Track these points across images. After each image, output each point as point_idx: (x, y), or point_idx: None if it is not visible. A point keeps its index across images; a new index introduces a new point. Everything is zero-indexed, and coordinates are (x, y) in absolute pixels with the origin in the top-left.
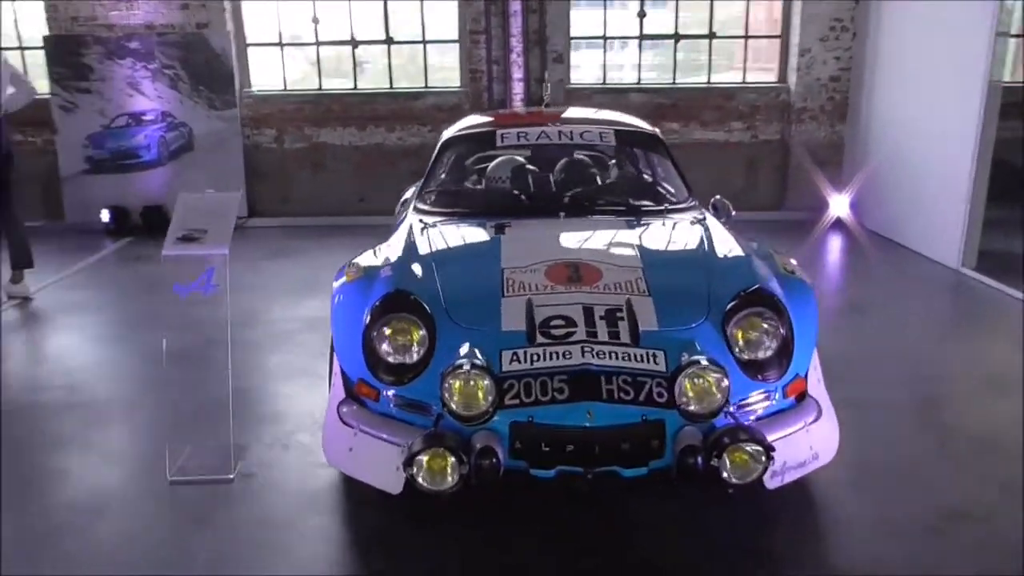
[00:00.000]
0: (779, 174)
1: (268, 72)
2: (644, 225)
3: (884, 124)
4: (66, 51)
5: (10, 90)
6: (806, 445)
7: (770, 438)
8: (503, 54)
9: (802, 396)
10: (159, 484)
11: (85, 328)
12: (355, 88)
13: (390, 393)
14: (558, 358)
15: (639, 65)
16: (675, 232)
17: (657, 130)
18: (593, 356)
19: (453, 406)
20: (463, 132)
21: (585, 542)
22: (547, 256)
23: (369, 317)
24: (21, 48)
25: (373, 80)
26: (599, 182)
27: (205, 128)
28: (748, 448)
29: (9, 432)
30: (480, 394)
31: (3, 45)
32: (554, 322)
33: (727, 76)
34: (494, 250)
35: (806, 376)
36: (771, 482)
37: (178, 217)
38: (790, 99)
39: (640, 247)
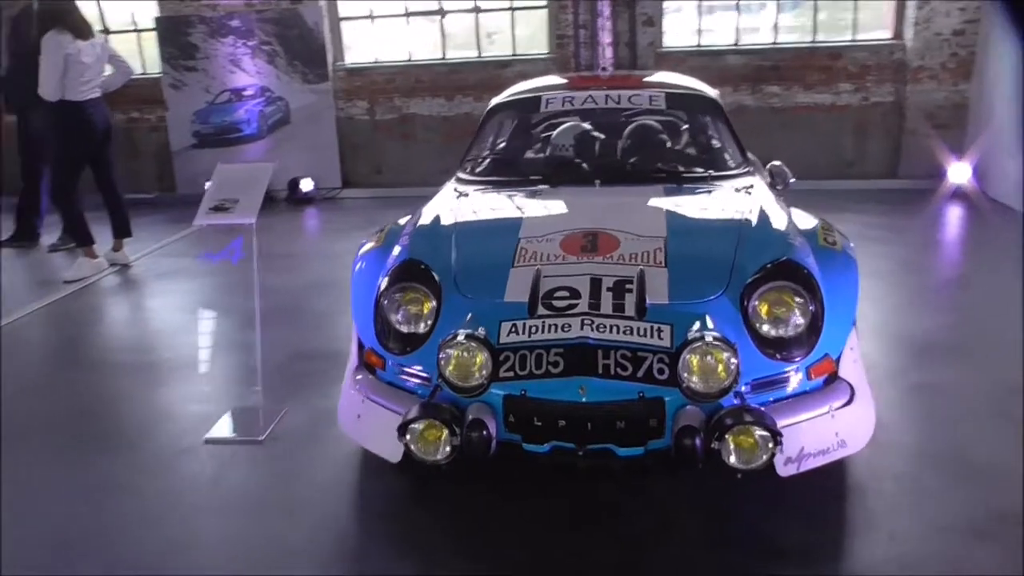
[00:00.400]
0: (893, 139)
1: (389, 43)
2: (682, 193)
3: (1015, 82)
4: (175, 31)
5: (109, 70)
6: (830, 431)
7: (788, 422)
8: (591, 18)
9: (832, 378)
10: (194, 442)
11: (174, 294)
12: (443, 58)
13: (395, 362)
14: (556, 331)
15: (737, 27)
16: (713, 200)
17: (716, 92)
18: (593, 329)
19: (448, 377)
20: (508, 99)
21: (582, 518)
22: (568, 225)
23: (382, 285)
24: (137, 31)
25: (504, 50)
26: (656, 149)
27: (300, 102)
28: (754, 431)
29: (86, 388)
30: (475, 366)
31: (119, 29)
32: (558, 293)
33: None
34: (516, 219)
35: (839, 357)
36: (784, 469)
37: (213, 187)
38: (905, 57)
39: (670, 216)
